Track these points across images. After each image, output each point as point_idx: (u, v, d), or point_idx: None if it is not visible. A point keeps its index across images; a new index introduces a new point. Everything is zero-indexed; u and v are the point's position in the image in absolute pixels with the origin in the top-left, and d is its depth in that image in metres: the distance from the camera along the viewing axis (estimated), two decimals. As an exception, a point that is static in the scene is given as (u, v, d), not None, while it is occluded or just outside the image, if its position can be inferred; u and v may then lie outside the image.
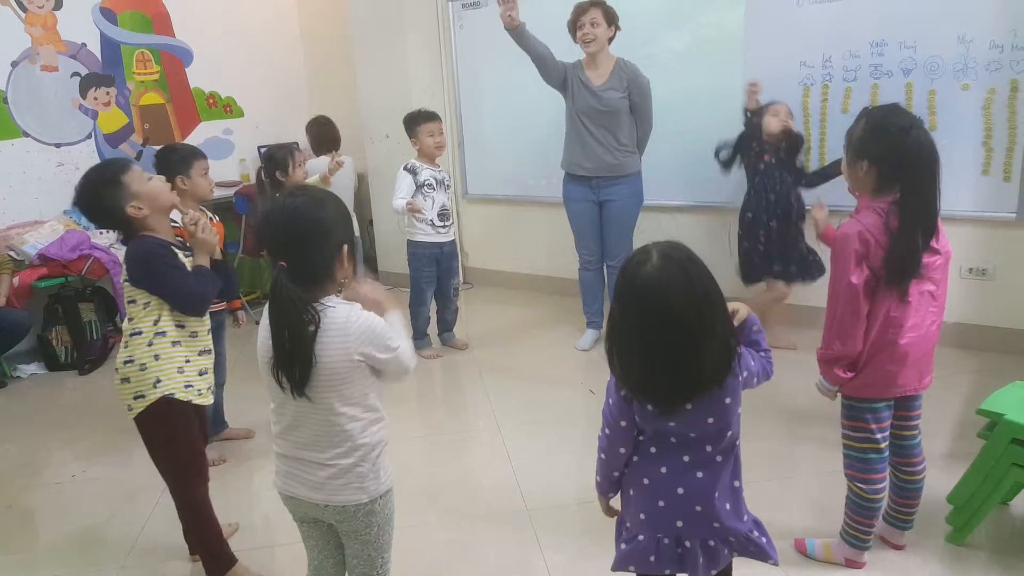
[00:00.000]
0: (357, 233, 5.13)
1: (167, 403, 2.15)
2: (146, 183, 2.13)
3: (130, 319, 2.16)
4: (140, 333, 2.13)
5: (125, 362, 2.14)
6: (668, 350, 1.40)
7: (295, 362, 1.54)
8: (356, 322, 1.57)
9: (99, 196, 2.09)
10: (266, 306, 1.60)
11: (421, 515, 2.65)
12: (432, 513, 2.69)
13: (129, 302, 2.15)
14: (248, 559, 2.38)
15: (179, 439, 2.22)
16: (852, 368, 2.03)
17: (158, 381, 2.14)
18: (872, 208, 1.95)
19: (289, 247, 1.56)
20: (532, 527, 2.55)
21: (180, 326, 2.19)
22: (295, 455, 1.67)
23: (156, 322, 2.14)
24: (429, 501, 2.77)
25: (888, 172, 1.92)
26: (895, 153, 1.89)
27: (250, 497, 2.90)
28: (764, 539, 1.57)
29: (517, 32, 3.71)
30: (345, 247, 1.62)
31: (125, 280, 2.15)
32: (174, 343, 2.17)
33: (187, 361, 2.20)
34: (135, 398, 2.14)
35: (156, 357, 2.14)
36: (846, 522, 2.19)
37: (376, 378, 1.65)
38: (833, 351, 2.02)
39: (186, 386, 2.18)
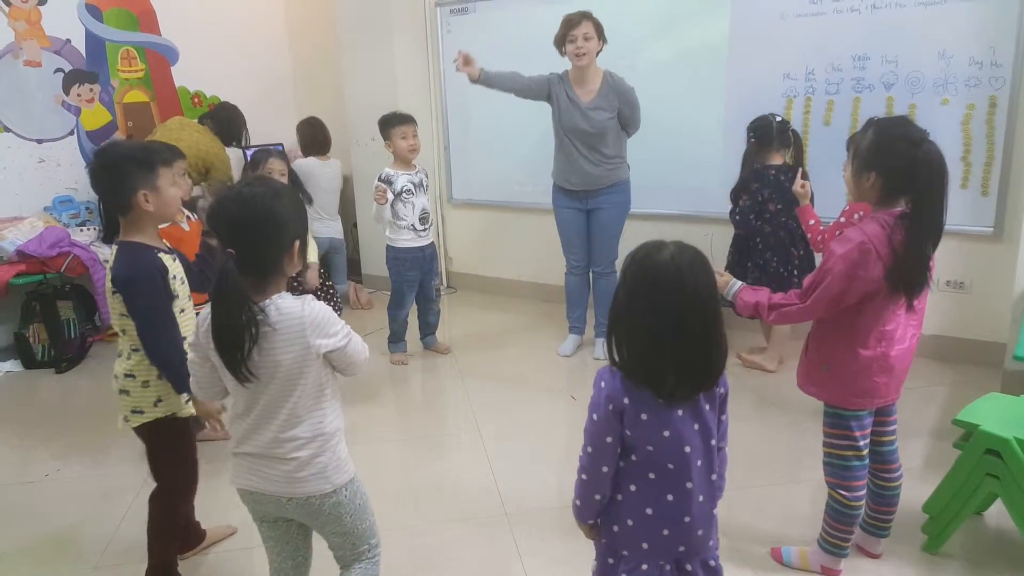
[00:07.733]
0: (341, 236, 5.20)
1: (169, 421, 2.13)
2: (170, 187, 2.06)
3: (127, 331, 2.07)
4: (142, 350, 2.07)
5: (126, 375, 2.09)
6: (682, 328, 1.40)
7: (232, 349, 1.52)
8: (309, 314, 1.56)
9: (126, 166, 1.96)
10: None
11: (398, 518, 2.63)
12: (410, 516, 2.67)
13: (124, 315, 2.05)
14: (226, 560, 2.36)
15: (177, 454, 2.21)
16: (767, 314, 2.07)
17: (159, 400, 2.11)
18: (876, 219, 1.94)
19: (240, 235, 1.53)
20: (511, 531, 2.55)
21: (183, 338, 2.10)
22: (257, 452, 1.65)
23: None
24: (407, 504, 2.76)
25: (896, 185, 1.92)
26: (906, 167, 1.88)
27: (231, 497, 2.87)
28: None
29: (482, 82, 3.81)
30: (297, 242, 1.60)
31: (114, 292, 2.01)
32: None
33: None
34: (132, 412, 2.11)
35: (160, 376, 2.09)
36: (825, 529, 2.20)
37: (330, 371, 1.66)
38: (789, 309, 2.03)
39: (187, 402, 2.15)
